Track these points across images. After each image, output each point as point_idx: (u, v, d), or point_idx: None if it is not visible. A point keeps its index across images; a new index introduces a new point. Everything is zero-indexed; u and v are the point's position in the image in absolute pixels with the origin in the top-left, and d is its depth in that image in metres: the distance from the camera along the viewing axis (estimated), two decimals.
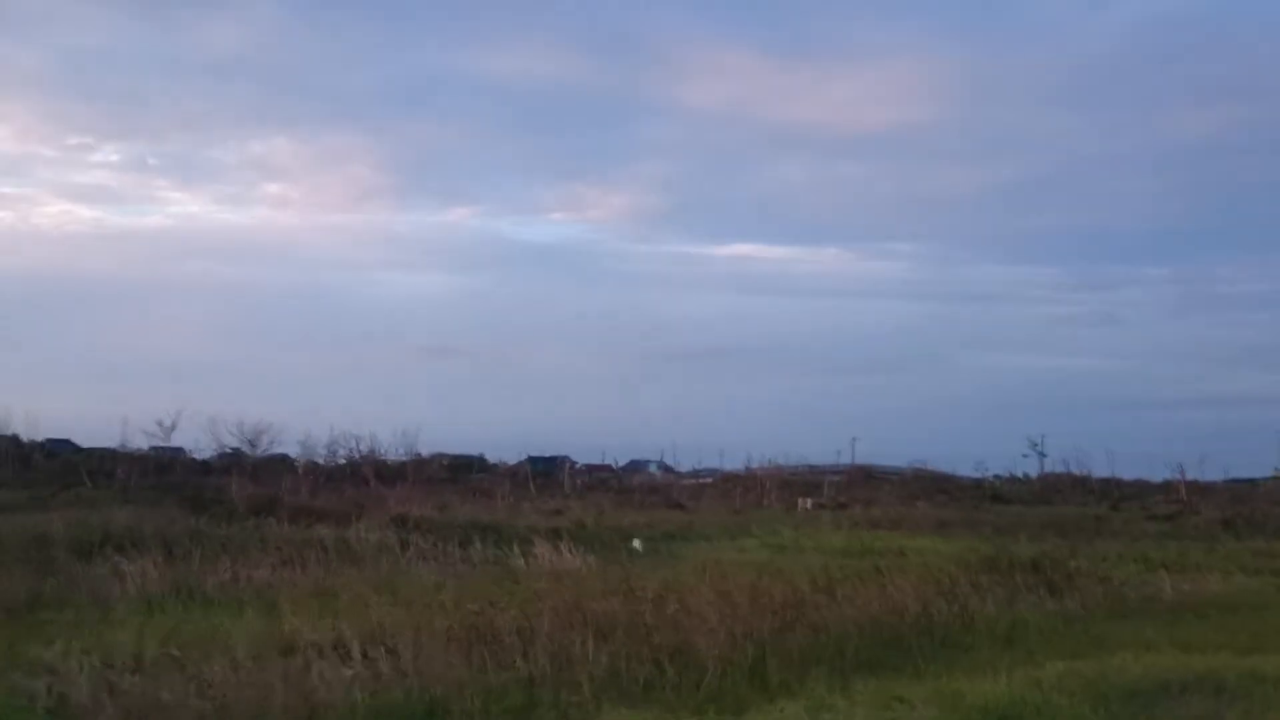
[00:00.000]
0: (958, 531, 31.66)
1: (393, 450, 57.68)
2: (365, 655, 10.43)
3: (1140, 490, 60.00)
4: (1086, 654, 12.75)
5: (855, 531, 31.72)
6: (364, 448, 55.59)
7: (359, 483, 48.49)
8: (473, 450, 68.45)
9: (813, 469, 69.68)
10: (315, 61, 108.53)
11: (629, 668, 11.13)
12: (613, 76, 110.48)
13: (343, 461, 54.76)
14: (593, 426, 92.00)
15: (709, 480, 65.51)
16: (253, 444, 51.65)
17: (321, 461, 55.54)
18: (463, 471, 61.40)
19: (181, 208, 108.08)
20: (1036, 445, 65.98)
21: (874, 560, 24.58)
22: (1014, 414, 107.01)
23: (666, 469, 79.48)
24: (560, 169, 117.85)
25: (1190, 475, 61.60)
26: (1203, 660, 10.31)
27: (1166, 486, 60.21)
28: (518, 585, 15.93)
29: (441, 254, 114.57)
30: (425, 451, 62.00)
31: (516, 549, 21.84)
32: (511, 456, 67.44)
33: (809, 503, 44.61)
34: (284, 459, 53.04)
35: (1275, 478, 67.47)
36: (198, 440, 53.77)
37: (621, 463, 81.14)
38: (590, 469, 74.63)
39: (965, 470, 66.80)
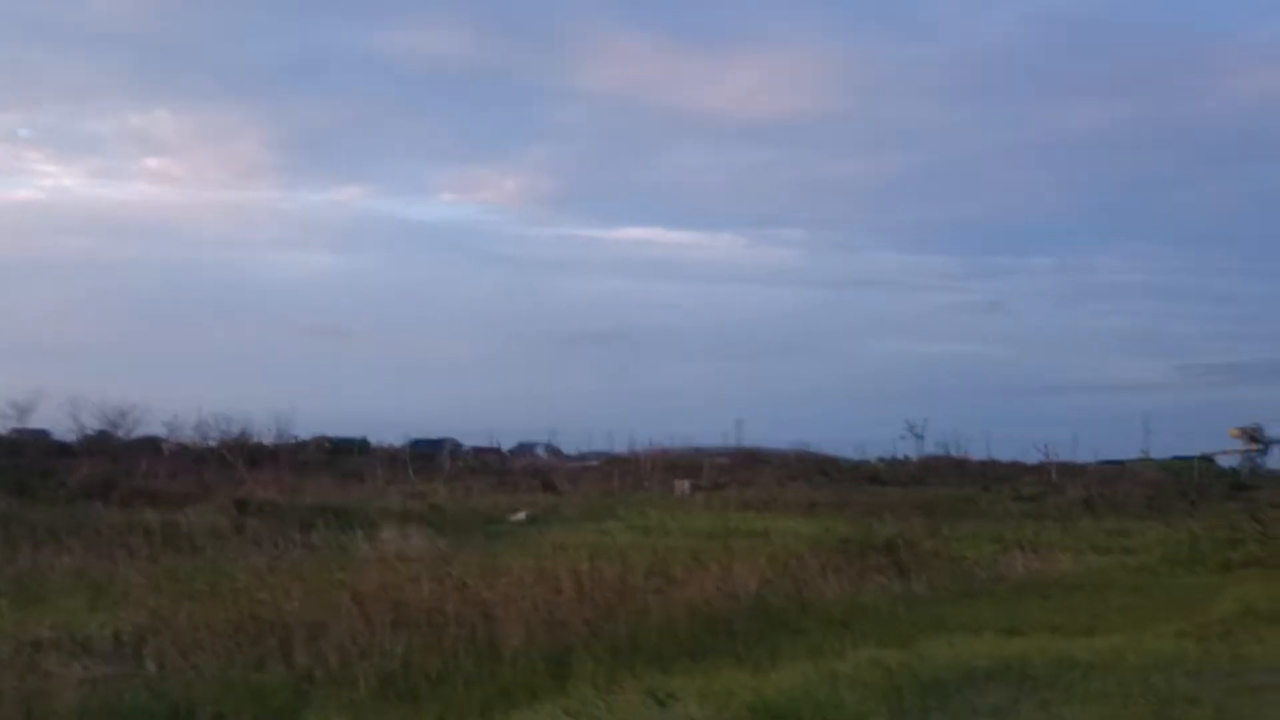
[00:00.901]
0: (826, 513, 31.42)
1: (268, 433, 55.60)
2: (120, 652, 9.34)
3: (1014, 472, 60.92)
4: (917, 637, 12.22)
5: (724, 513, 31.23)
6: (236, 430, 53.35)
7: (228, 466, 46.59)
8: (357, 433, 66.77)
9: (699, 451, 69.42)
10: (200, 33, 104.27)
11: (423, 660, 10.26)
12: (508, 58, 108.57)
13: (214, 444, 52.54)
14: (483, 410, 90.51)
15: (594, 463, 64.77)
16: (115, 425, 49.23)
17: (190, 444, 53.26)
18: (342, 455, 59.64)
19: (54, 180, 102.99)
20: (915, 428, 66.70)
21: (733, 541, 24.12)
22: (901, 398, 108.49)
23: (554, 452, 78.65)
24: (453, 150, 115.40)
25: (1062, 458, 62.93)
26: (1022, 644, 9.81)
27: (1039, 469, 61.29)
28: (341, 571, 14.90)
29: (330, 233, 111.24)
30: (306, 434, 60.21)
31: (361, 534, 20.83)
32: (397, 439, 65.91)
33: (686, 485, 44.13)
34: (151, 441, 50.72)
35: (1141, 460, 69.39)
36: (62, 423, 51.15)
37: (509, 446, 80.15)
38: (476, 452, 73.35)
39: (850, 453, 67.38)
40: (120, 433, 49.42)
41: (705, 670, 10.07)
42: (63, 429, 51.09)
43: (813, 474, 54.93)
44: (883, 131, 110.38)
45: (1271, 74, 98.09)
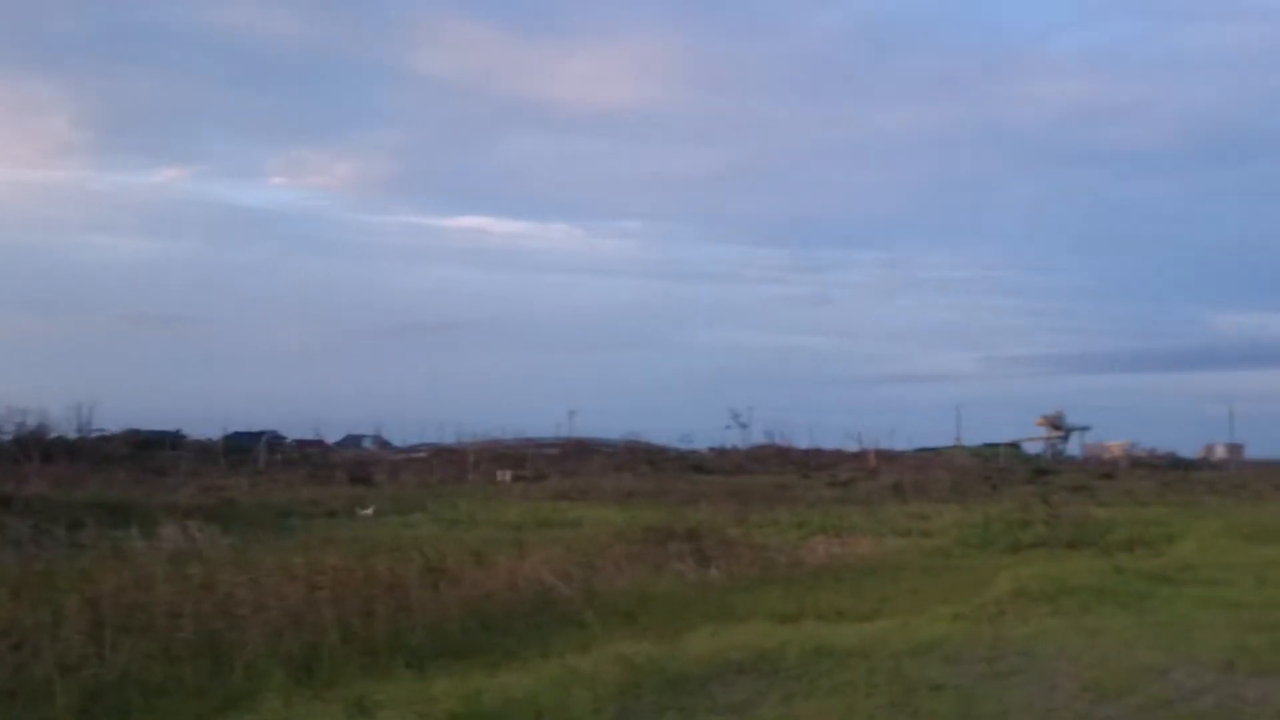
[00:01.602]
0: (643, 502, 31.09)
1: (68, 426, 52.25)
2: None
3: (835, 460, 62.17)
4: (697, 627, 11.83)
5: (538, 503, 30.59)
6: (33, 423, 49.88)
7: (19, 461, 43.44)
8: (176, 425, 63.44)
9: (530, 443, 68.67)
10: (5, 1, 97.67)
11: (146, 669, 9.22)
12: (342, 38, 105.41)
13: (7, 439, 49.01)
14: (312, 402, 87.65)
15: (421, 455, 63.23)
16: None
17: None
18: (151, 449, 56.53)
19: None
20: (739, 417, 67.49)
21: (543, 531, 23.52)
22: (731, 389, 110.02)
23: (382, 444, 76.62)
24: (282, 132, 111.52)
25: (882, 446, 64.65)
26: (789, 633, 9.42)
27: (858, 456, 62.73)
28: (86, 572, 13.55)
29: (148, 216, 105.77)
30: (118, 427, 56.94)
31: (137, 531, 19.32)
32: (217, 432, 62.92)
33: (508, 475, 43.35)
34: None
35: (954, 447, 71.85)
36: None
37: (336, 439, 77.73)
38: (300, 445, 70.81)
39: (680, 443, 67.66)
40: None
41: (464, 671, 9.35)
42: None
43: (640, 464, 54.78)
44: (718, 125, 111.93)
45: (1075, 83, 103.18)
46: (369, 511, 27.03)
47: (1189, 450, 74.20)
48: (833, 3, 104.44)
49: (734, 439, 68.74)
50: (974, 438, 75.22)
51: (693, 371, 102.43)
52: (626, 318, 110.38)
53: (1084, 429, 79.35)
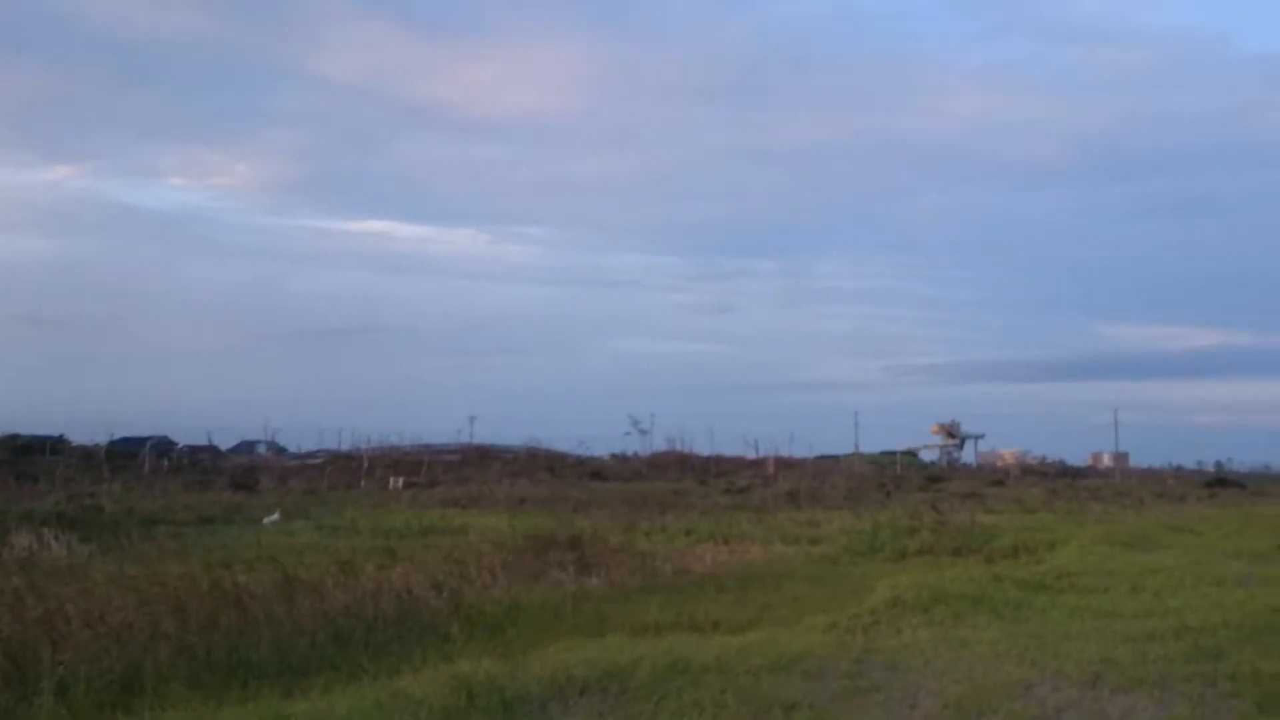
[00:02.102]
0: (534, 509, 30.37)
1: None
2: None
3: (735, 466, 62.21)
4: (566, 638, 11.25)
5: (426, 510, 29.70)
6: None
7: None
8: (60, 431, 60.81)
9: (429, 449, 67.56)
10: None
11: None
12: (240, 37, 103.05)
13: None
14: (207, 407, 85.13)
15: (316, 461, 61.60)
16: None
17: None
18: (31, 454, 54.10)
19: None
20: (638, 424, 67.37)
21: (426, 539, 22.70)
22: (634, 395, 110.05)
23: (277, 450, 74.74)
24: (180, 131, 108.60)
25: (782, 453, 64.88)
26: (649, 646, 8.86)
27: (758, 463, 62.85)
28: None
29: (39, 215, 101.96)
30: None
31: None
32: (105, 437, 60.49)
33: (400, 482, 42.25)
34: None
35: (853, 455, 72.54)
36: None
37: (231, 444, 75.65)
38: (192, 450, 68.65)
39: (581, 449, 67.07)
40: None
41: (305, 688, 8.61)
42: None
43: (538, 470, 54.04)
44: (623, 131, 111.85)
45: (976, 99, 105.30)
46: (275, 518, 25.93)
47: (1078, 458, 76.06)
48: (742, 10, 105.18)
49: (635, 445, 68.52)
50: (872, 445, 76.13)
51: (596, 378, 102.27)
52: (530, 324, 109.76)
53: (978, 437, 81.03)
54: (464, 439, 71.36)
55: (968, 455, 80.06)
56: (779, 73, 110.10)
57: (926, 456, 78.53)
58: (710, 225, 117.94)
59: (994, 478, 55.18)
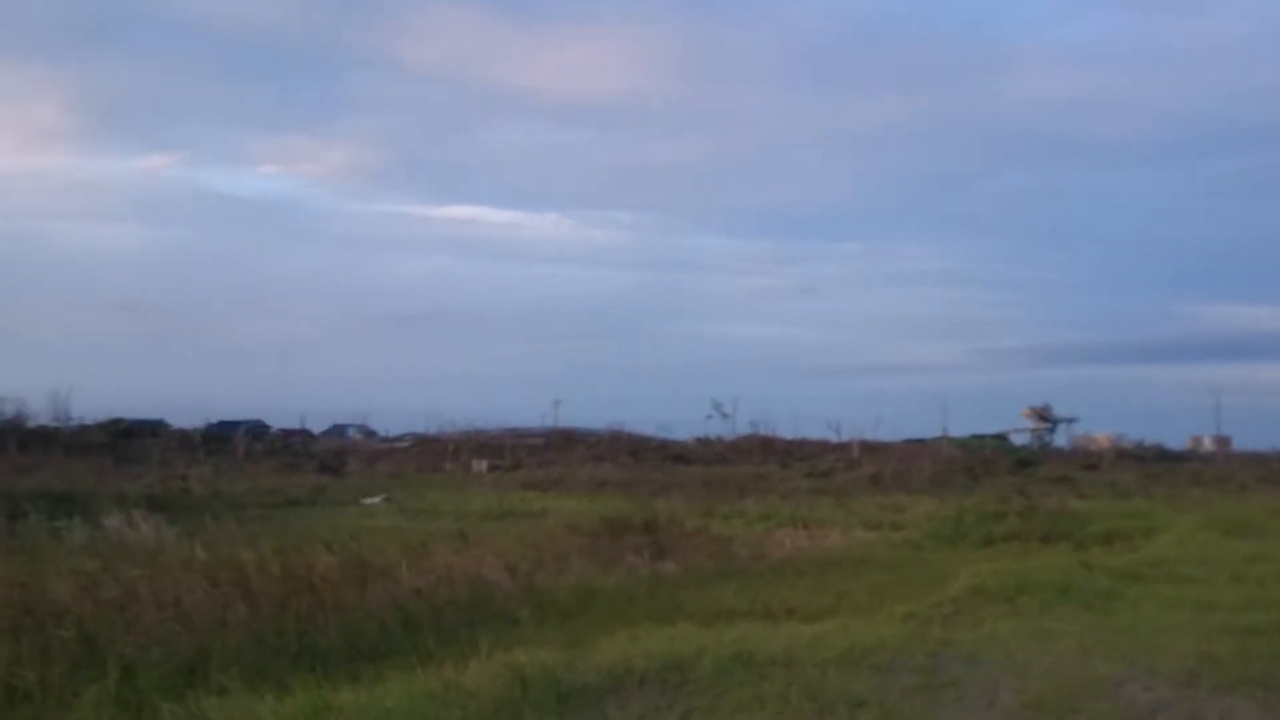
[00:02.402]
0: (615, 492, 30.17)
1: (44, 415, 51.29)
2: None
3: (820, 450, 61.32)
4: (629, 627, 11.00)
5: (507, 493, 29.72)
6: (9, 412, 48.96)
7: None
8: (159, 415, 62.54)
9: (514, 433, 67.90)
10: None
11: (11, 673, 8.36)
12: (329, 26, 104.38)
13: None
14: (299, 390, 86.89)
15: (403, 444, 62.33)
16: None
17: None
18: (132, 437, 55.63)
19: None
20: (720, 407, 66.86)
21: (504, 522, 22.68)
22: (716, 379, 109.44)
23: (368, 433, 75.79)
24: (271, 119, 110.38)
25: (868, 436, 63.80)
26: (717, 635, 8.52)
27: (842, 447, 61.87)
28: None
29: (137, 204, 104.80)
30: (102, 416, 56.21)
31: (78, 521, 18.52)
32: (202, 421, 62.05)
33: (484, 465, 42.41)
34: None
35: (940, 438, 71.00)
36: None
37: (322, 428, 76.91)
38: (286, 433, 70.05)
39: (667, 433, 66.86)
40: None
41: (369, 676, 8.49)
42: None
43: (622, 454, 53.91)
44: (706, 115, 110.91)
45: (1063, 75, 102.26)
46: (376, 500, 26.14)
47: (1177, 442, 73.32)
48: None
49: (717, 429, 68.01)
50: (961, 429, 74.35)
51: (678, 362, 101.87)
52: (615, 308, 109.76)
53: (1071, 421, 78.60)
54: (549, 423, 71.62)
55: (1060, 439, 77.77)
56: (860, 53, 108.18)
57: (1017, 440, 76.41)
58: (792, 208, 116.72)
59: (1087, 462, 53.49)
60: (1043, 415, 77.84)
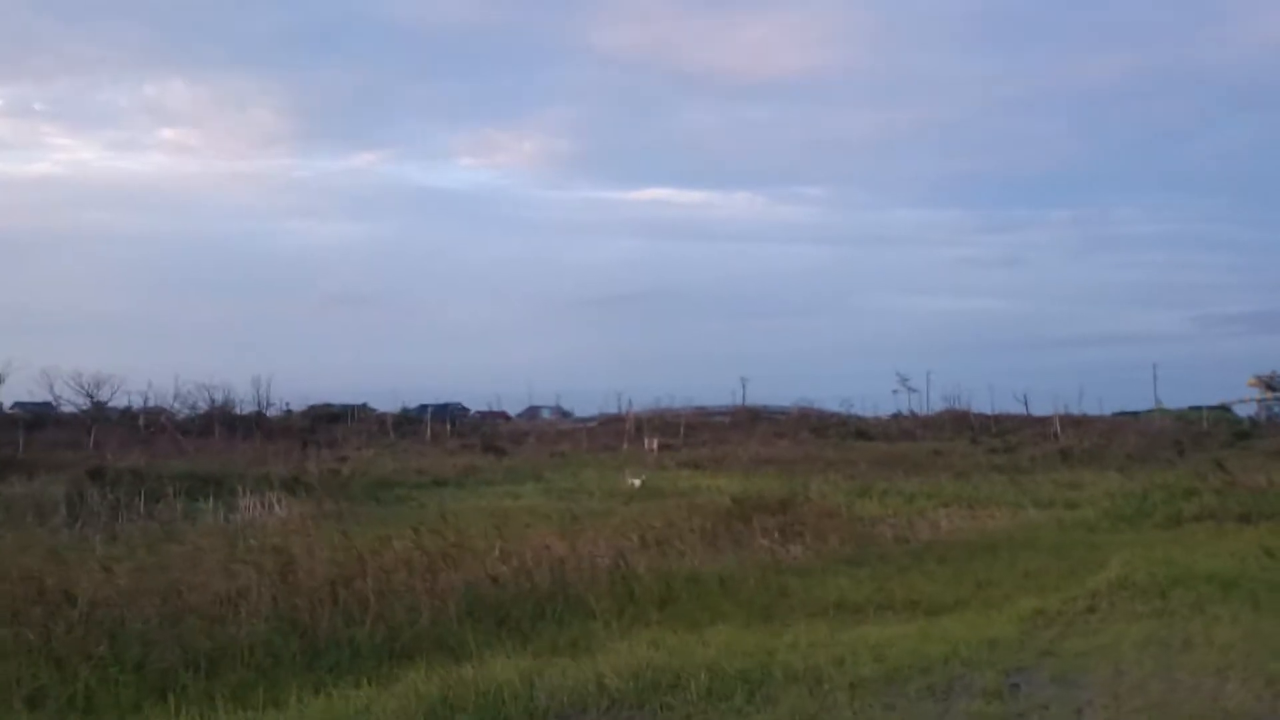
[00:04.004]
0: (776, 469, 28.48)
1: (256, 401, 53.62)
2: None
3: (1018, 424, 57.52)
4: (728, 618, 9.69)
5: (664, 471, 28.56)
6: (219, 399, 51.35)
7: (206, 436, 44.66)
8: (359, 400, 64.69)
9: (702, 410, 66.89)
10: (211, 1, 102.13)
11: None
12: (521, 19, 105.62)
13: (188, 414, 50.60)
14: (499, 374, 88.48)
15: (590, 424, 62.14)
16: (90, 396, 47.34)
17: (179, 414, 51.24)
18: (335, 421, 57.57)
19: (70, 154, 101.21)
20: (906, 381, 63.95)
21: (651, 502, 21.49)
22: (914, 354, 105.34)
23: (563, 414, 76.27)
24: (469, 113, 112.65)
25: (1071, 409, 59.48)
26: (757, 643, 7.05)
27: (1043, 421, 57.83)
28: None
29: (346, 201, 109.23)
30: (309, 401, 58.80)
31: (216, 504, 18.60)
32: (407, 404, 63.79)
33: (654, 443, 41.40)
34: (127, 413, 48.76)
35: (1155, 410, 65.64)
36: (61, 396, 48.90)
37: (518, 410, 77.89)
38: (483, 415, 71.28)
39: (857, 409, 64.51)
40: (91, 403, 47.39)
41: (394, 676, 7.46)
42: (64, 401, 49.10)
43: (804, 431, 51.91)
44: (896, 86, 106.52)
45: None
46: (637, 482, 25.02)
47: None
48: None
49: (907, 404, 65.07)
50: (1180, 401, 68.44)
51: (873, 338, 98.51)
52: (807, 285, 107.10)
53: None
54: (737, 401, 70.22)
55: None
56: (1058, 11, 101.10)
57: (1242, 412, 69.86)
58: (993, 176, 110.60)
59: None
60: (1270, 384, 70.95)
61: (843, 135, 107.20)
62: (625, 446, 45.52)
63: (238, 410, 52.05)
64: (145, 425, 44.25)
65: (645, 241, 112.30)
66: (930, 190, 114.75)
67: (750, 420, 62.91)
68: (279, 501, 19.03)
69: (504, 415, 73.75)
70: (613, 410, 70.96)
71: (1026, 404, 58.34)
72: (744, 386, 70.36)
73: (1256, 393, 71.63)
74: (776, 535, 15.76)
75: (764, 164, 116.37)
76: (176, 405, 50.82)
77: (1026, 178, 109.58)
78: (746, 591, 11.83)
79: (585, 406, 73.76)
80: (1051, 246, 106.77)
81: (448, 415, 63.82)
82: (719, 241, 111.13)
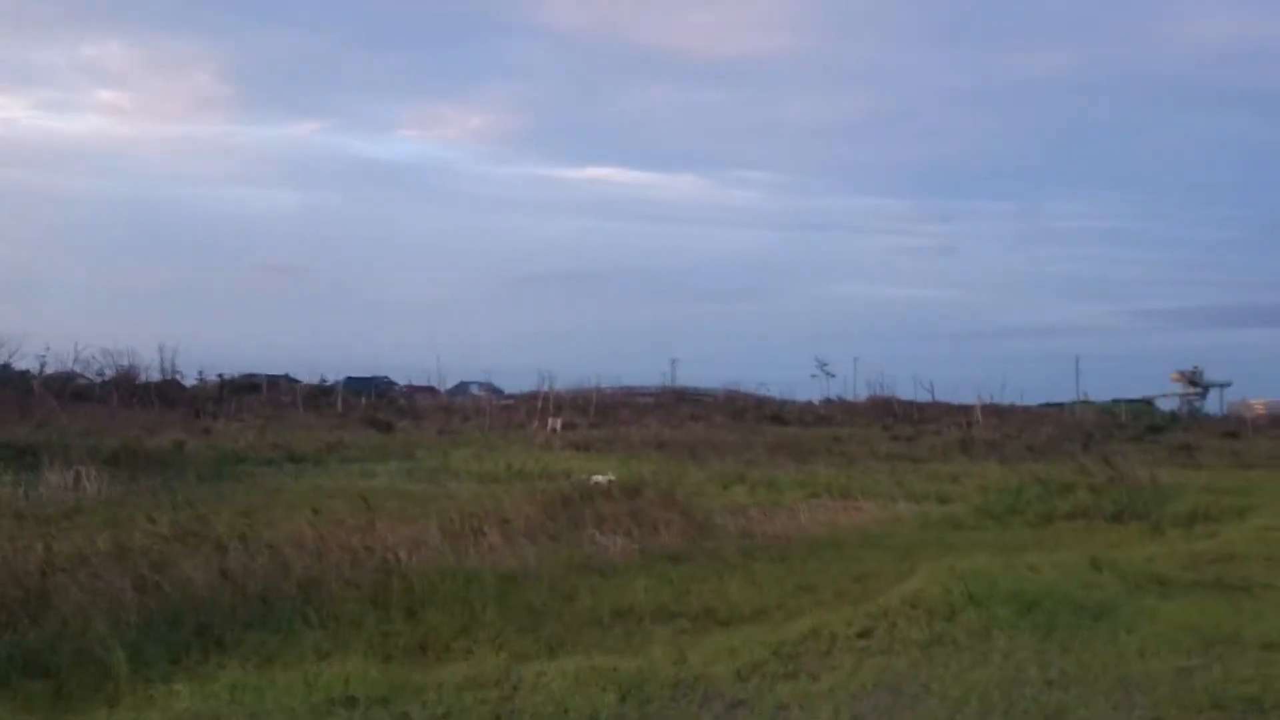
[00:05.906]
0: (661, 455, 26.99)
1: (160, 370, 51.22)
2: None
3: (940, 413, 56.59)
4: (483, 626, 8.15)
5: (548, 453, 27.04)
6: (122, 365, 48.96)
7: (93, 403, 42.46)
8: (285, 371, 62.49)
9: (627, 390, 65.53)
10: None
11: None
12: None
13: (88, 381, 48.26)
14: (436, 349, 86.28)
15: (509, 402, 60.46)
16: None
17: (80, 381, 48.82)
18: (249, 392, 55.36)
19: (1, 111, 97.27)
20: (825, 366, 63.24)
21: (505, 486, 19.88)
22: (843, 341, 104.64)
23: (492, 390, 74.57)
24: (414, 85, 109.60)
25: (995, 400, 58.69)
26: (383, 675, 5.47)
27: (965, 410, 57.00)
28: None
29: (285, 169, 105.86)
30: (241, 372, 56.52)
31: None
32: (332, 378, 61.69)
33: (558, 423, 39.85)
34: (23, 375, 46.28)
35: (1080, 403, 65.18)
36: None
37: (449, 385, 76.10)
38: (411, 390, 69.46)
39: (786, 394, 63.47)
40: None
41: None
42: None
43: (722, 414, 50.65)
44: (843, 73, 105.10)
45: (1226, 21, 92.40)
46: (603, 479, 21.25)
47: None
48: None
49: (826, 389, 64.34)
50: (1104, 394, 67.99)
51: (805, 323, 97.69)
52: (746, 269, 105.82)
53: (1224, 385, 71.43)
54: (667, 382, 68.97)
55: (1213, 405, 70.73)
56: (999, 5, 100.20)
57: (1165, 406, 69.73)
58: (934, 166, 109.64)
59: (1229, 429, 47.45)
60: (1192, 380, 70.97)
61: (789, 120, 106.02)
62: (534, 425, 44.00)
63: (143, 378, 49.55)
64: (38, 390, 41.95)
65: (588, 220, 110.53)
66: (872, 178, 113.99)
67: (675, 402, 61.55)
68: (91, 476, 17.26)
69: (432, 390, 71.91)
70: (543, 389, 69.50)
71: (933, 392, 57.71)
72: (673, 368, 69.16)
73: (1179, 388, 71.60)
74: (602, 527, 14.31)
75: (711, 147, 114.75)
76: (77, 369, 48.38)
77: (965, 169, 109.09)
78: (529, 595, 10.30)
79: (518, 383, 72.04)
80: (988, 238, 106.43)
81: (371, 389, 61.92)
82: (662, 223, 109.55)
